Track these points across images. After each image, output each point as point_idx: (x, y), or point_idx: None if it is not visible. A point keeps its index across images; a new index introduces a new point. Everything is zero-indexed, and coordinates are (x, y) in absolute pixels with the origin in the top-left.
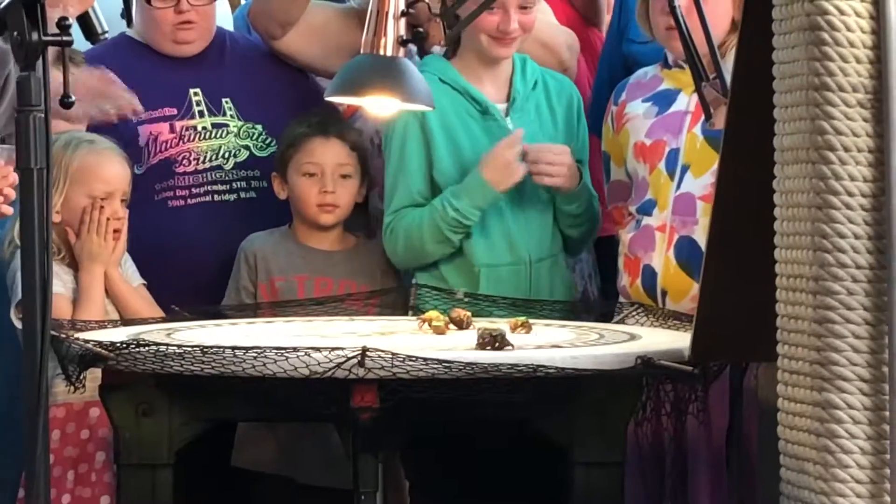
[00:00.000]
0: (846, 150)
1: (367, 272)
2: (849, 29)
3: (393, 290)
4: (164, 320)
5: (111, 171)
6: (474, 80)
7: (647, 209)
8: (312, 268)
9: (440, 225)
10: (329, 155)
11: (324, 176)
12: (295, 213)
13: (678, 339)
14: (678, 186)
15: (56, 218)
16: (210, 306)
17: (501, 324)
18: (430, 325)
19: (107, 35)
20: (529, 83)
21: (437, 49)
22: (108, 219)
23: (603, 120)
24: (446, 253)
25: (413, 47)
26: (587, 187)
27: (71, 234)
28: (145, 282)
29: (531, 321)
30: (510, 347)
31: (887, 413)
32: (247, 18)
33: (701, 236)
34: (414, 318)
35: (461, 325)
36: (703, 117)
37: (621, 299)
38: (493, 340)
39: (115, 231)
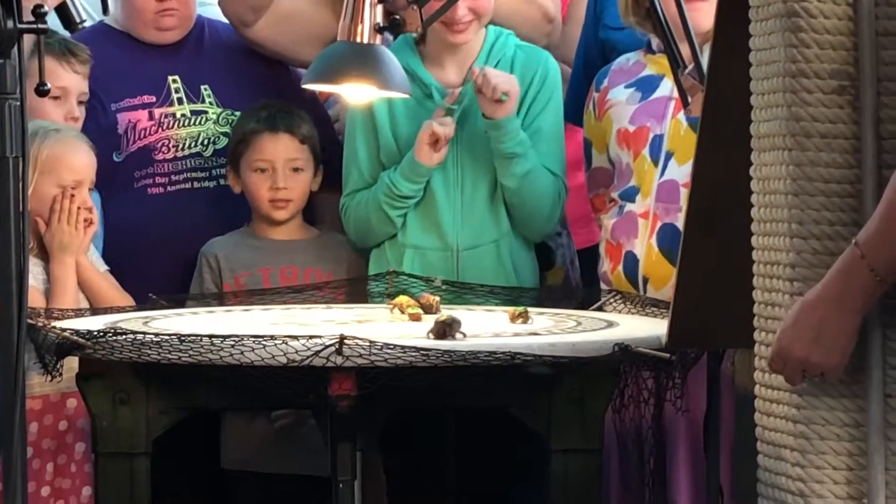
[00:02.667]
0: (823, 136)
1: (332, 258)
2: (825, 16)
3: (370, 278)
4: (141, 308)
5: (80, 159)
6: (435, 64)
7: (630, 195)
8: (275, 258)
9: (379, 198)
10: (279, 150)
11: (275, 172)
12: (252, 209)
13: (656, 327)
14: (662, 173)
15: None
16: (188, 294)
17: (499, 312)
18: (401, 311)
19: (85, 24)
20: (492, 63)
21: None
22: (78, 208)
23: (584, 106)
24: (390, 232)
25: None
26: (517, 126)
27: (41, 223)
28: (108, 268)
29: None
30: (462, 336)
31: (864, 400)
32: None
33: None
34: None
35: (430, 310)
36: None
37: (602, 286)
38: (443, 329)
39: (85, 220)
